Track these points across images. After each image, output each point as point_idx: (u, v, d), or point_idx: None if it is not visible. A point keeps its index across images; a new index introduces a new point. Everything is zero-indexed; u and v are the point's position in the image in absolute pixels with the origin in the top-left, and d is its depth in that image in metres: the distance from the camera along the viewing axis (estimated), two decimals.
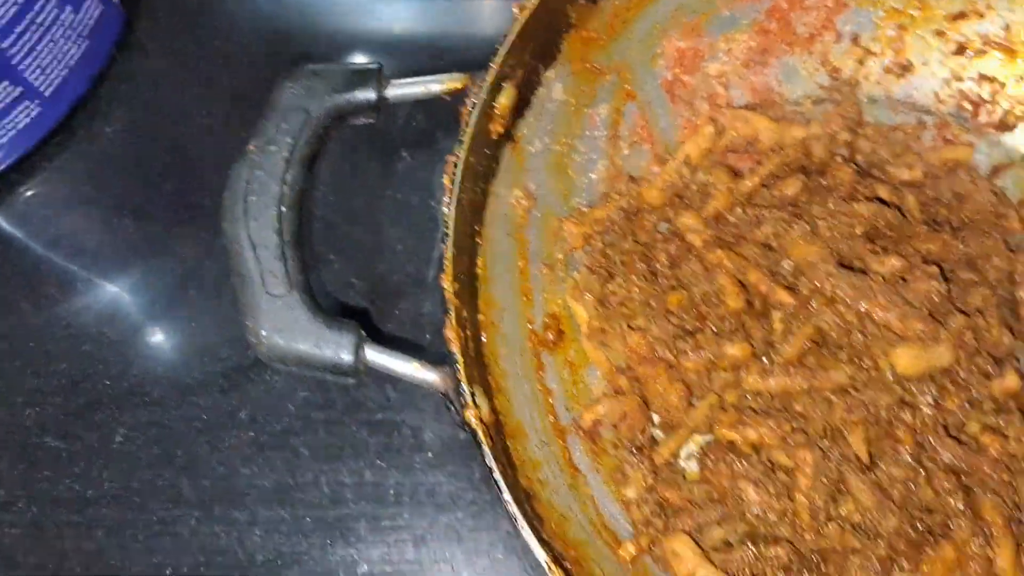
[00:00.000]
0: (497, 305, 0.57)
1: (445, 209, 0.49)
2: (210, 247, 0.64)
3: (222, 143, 0.67)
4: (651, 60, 0.64)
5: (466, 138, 0.50)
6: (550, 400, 0.58)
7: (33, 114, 0.64)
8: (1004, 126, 0.65)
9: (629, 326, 0.58)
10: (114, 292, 0.65)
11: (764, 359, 0.55)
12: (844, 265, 0.56)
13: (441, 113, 0.52)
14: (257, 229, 0.46)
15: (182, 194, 0.67)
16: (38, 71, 0.62)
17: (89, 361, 0.63)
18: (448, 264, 0.48)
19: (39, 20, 0.60)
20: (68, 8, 0.62)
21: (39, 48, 0.61)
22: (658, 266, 0.60)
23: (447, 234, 0.49)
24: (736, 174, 0.61)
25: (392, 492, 0.59)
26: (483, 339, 0.55)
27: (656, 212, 0.62)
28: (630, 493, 0.55)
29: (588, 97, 0.62)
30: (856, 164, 0.62)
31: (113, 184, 0.68)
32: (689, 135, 0.63)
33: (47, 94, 0.64)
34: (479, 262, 0.56)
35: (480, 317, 0.55)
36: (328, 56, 0.70)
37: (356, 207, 0.66)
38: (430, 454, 0.60)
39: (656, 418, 0.58)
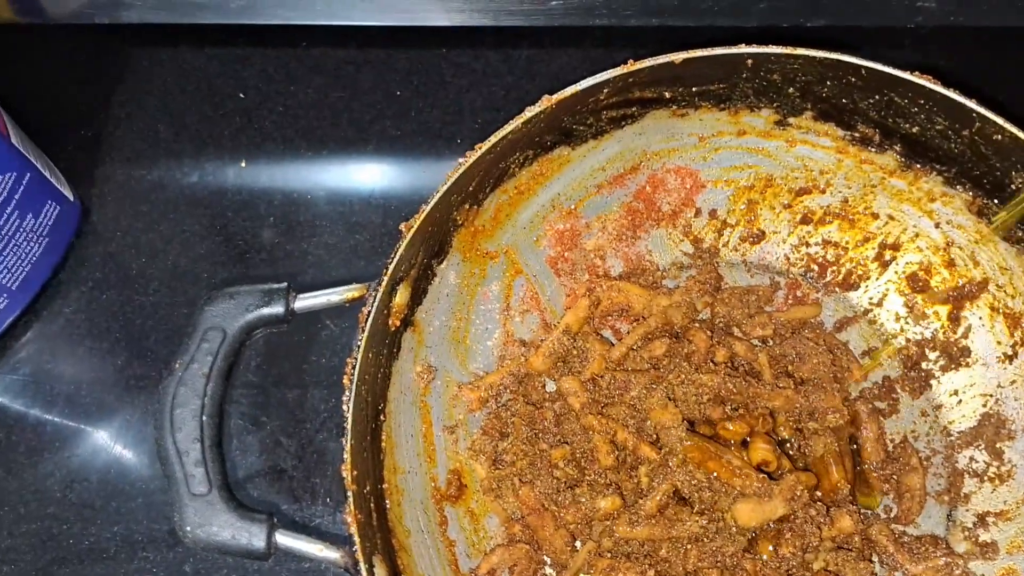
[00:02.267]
0: (402, 470, 0.67)
1: (345, 407, 0.59)
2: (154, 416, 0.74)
3: (165, 318, 0.78)
4: (535, 242, 0.73)
5: (363, 343, 0.60)
6: (452, 551, 0.68)
7: (1, 306, 0.74)
8: (848, 285, 0.75)
9: (520, 480, 0.68)
10: (75, 457, 0.74)
11: (633, 510, 0.65)
12: (694, 429, 0.66)
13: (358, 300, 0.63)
14: (182, 439, 0.56)
15: (132, 365, 0.77)
16: (4, 271, 0.72)
17: (54, 522, 0.72)
18: (347, 456, 0.58)
19: (3, 231, 0.70)
20: (29, 215, 0.72)
21: (5, 253, 0.71)
22: (546, 423, 0.70)
23: (346, 428, 0.58)
24: (608, 342, 0.72)
25: None
26: (387, 505, 0.64)
27: (543, 375, 0.72)
28: None
29: (480, 277, 0.72)
30: (714, 325, 0.72)
31: (73, 358, 0.77)
32: (571, 303, 0.74)
33: (13, 288, 0.74)
34: (383, 436, 0.65)
35: (384, 486, 0.65)
36: (256, 232, 0.81)
37: (284, 372, 0.76)
38: None
39: (548, 560, 0.68)
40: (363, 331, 0.60)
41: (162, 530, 0.71)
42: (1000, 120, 0.62)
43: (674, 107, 0.70)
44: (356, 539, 0.56)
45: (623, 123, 0.70)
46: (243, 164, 0.83)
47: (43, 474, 0.73)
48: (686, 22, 0.80)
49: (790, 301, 0.75)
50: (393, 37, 0.87)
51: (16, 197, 0.69)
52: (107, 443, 0.74)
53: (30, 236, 0.73)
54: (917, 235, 0.73)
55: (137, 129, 0.86)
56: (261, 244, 0.80)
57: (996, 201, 0.68)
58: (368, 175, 0.84)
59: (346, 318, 0.75)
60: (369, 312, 0.61)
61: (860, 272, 0.74)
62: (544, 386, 0.71)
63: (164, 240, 0.81)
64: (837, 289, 0.75)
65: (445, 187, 0.63)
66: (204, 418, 0.56)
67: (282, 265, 0.79)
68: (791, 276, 0.75)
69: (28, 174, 0.70)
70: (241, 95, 0.86)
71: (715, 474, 0.63)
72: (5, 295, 0.73)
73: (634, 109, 0.70)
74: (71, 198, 0.77)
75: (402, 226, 0.62)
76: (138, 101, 0.87)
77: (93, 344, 0.77)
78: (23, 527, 0.71)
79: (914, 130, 0.67)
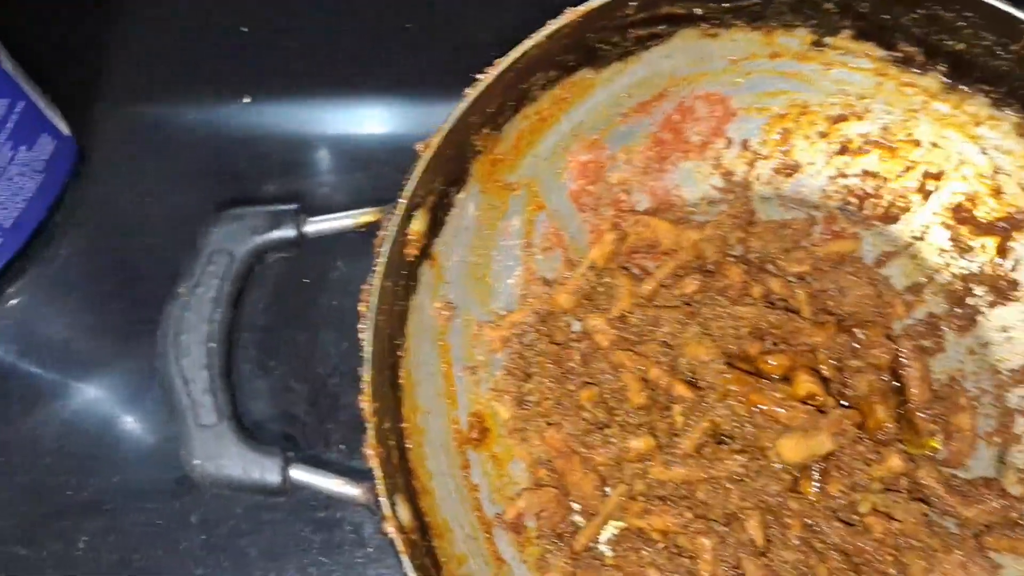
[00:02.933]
0: (422, 409, 0.62)
1: (361, 335, 0.54)
2: (153, 367, 0.69)
3: (166, 262, 0.73)
4: (557, 174, 0.69)
5: (379, 267, 0.56)
6: (476, 495, 0.64)
7: None
8: (888, 217, 0.71)
9: (546, 423, 0.64)
10: (71, 407, 0.70)
11: (668, 450, 0.61)
12: (732, 364, 0.62)
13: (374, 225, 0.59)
14: (188, 366, 0.52)
15: (130, 312, 0.73)
16: None
17: (50, 473, 0.68)
18: (366, 386, 0.54)
19: None
20: (23, 148, 0.68)
21: None
22: (572, 364, 0.66)
23: (364, 357, 0.54)
24: (637, 277, 0.67)
25: None
26: (408, 445, 0.60)
27: (569, 314, 0.68)
28: None
29: (500, 211, 0.68)
30: (748, 260, 0.68)
31: (68, 305, 0.73)
32: (596, 239, 0.69)
33: (7, 227, 0.70)
34: (401, 373, 0.61)
35: (405, 425, 0.60)
36: (266, 174, 0.76)
37: (293, 313, 0.72)
38: (370, 549, 0.65)
39: (577, 506, 0.63)
40: (379, 256, 0.56)
41: (165, 480, 0.67)
42: None
43: (704, 26, 0.66)
44: (378, 474, 0.52)
45: (650, 43, 0.66)
46: (246, 100, 0.78)
47: (37, 424, 0.69)
48: None
49: (827, 236, 0.70)
50: None
51: (9, 126, 0.65)
52: (106, 392, 0.70)
53: (24, 170, 0.68)
54: (962, 162, 0.68)
55: (134, 65, 0.82)
56: (265, 185, 0.75)
57: None
58: (377, 113, 0.80)
59: (358, 256, 0.70)
60: (386, 236, 0.56)
61: (901, 204, 0.70)
62: (569, 325, 0.67)
63: (164, 181, 0.77)
64: (877, 223, 0.71)
65: (463, 105, 0.60)
66: (211, 345, 0.52)
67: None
68: (828, 210, 0.71)
69: (22, 102, 0.66)
70: (244, 28, 0.82)
71: (758, 408, 0.59)
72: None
73: (662, 28, 0.66)
74: (67, 133, 0.73)
75: (418, 145, 0.58)
76: (135, 36, 0.83)
77: (90, 289, 0.74)
78: (17, 479, 0.67)
79: (959, 47, 0.63)
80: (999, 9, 0.60)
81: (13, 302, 0.72)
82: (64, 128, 0.73)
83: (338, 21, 0.83)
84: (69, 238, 0.75)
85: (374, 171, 0.77)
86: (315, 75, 0.81)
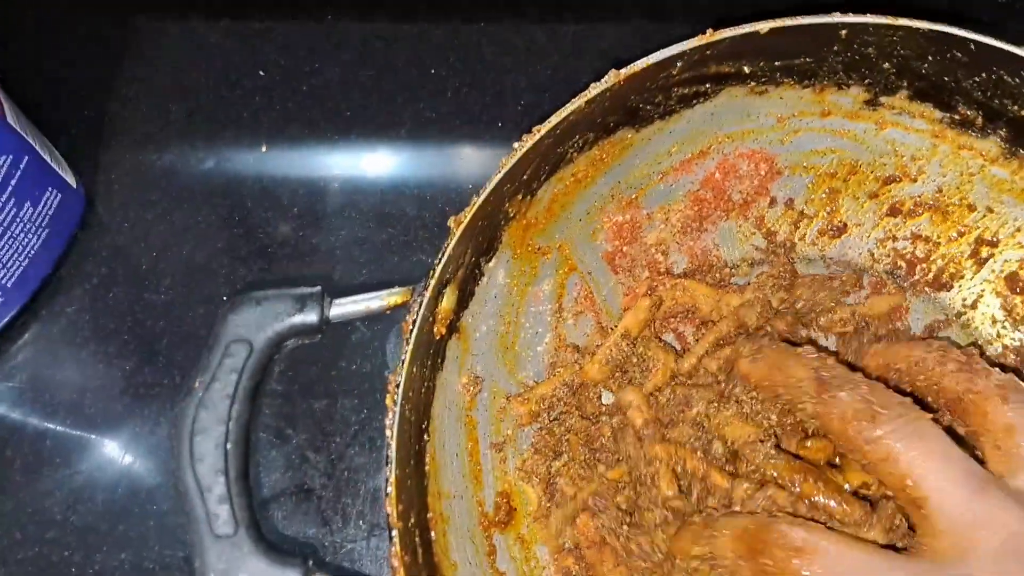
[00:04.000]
0: (448, 495, 0.59)
1: (388, 432, 0.51)
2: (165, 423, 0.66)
3: (179, 319, 0.69)
4: (591, 235, 0.65)
5: (407, 355, 0.52)
6: None
7: None
8: (939, 284, 0.67)
9: (578, 509, 0.60)
10: (79, 474, 0.67)
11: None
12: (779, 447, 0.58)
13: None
14: (203, 471, 0.48)
15: (141, 371, 0.69)
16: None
17: (55, 548, 0.65)
18: (392, 488, 0.50)
19: None
20: (27, 204, 0.64)
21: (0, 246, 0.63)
22: (603, 440, 0.62)
23: (389, 456, 0.50)
24: (674, 349, 0.63)
25: None
26: (432, 537, 0.57)
27: (600, 385, 0.64)
28: None
29: (531, 276, 0.64)
30: (790, 328, 0.64)
31: (76, 364, 0.70)
32: (630, 303, 0.65)
33: (9, 285, 0.66)
34: (427, 459, 0.57)
35: (429, 515, 0.57)
36: (283, 224, 0.72)
37: (311, 379, 0.68)
38: None
39: None
40: (408, 343, 0.52)
41: (176, 557, 0.63)
42: None
43: (752, 83, 0.62)
44: None
45: (694, 101, 0.62)
46: (264, 148, 0.74)
47: (42, 493, 0.66)
48: None
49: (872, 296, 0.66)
50: (427, 9, 0.78)
51: (12, 183, 0.61)
52: (114, 458, 0.67)
53: (28, 227, 0.65)
54: (1019, 230, 0.65)
55: (146, 110, 0.78)
56: (284, 237, 0.72)
57: None
58: (401, 162, 0.76)
59: (378, 319, 0.67)
60: (415, 320, 0.53)
61: (953, 270, 0.66)
62: (600, 397, 0.63)
63: (177, 232, 0.73)
64: (927, 289, 0.67)
65: (498, 176, 0.55)
66: (228, 446, 0.48)
67: (308, 261, 0.71)
68: (875, 273, 0.67)
69: (26, 157, 0.62)
70: (261, 72, 0.78)
71: (810, 498, 0.55)
72: (0, 293, 0.64)
73: (708, 86, 0.61)
74: (74, 185, 0.69)
75: (450, 221, 0.55)
76: (147, 80, 0.79)
77: (98, 347, 0.70)
78: (20, 554, 0.64)
79: (1022, 113, 0.58)
80: None
81: (17, 360, 0.69)
82: (71, 179, 0.69)
83: (361, 63, 0.78)
84: (76, 292, 0.72)
85: (395, 219, 0.73)
86: (336, 121, 0.78)
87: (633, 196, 0.66)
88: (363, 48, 0.79)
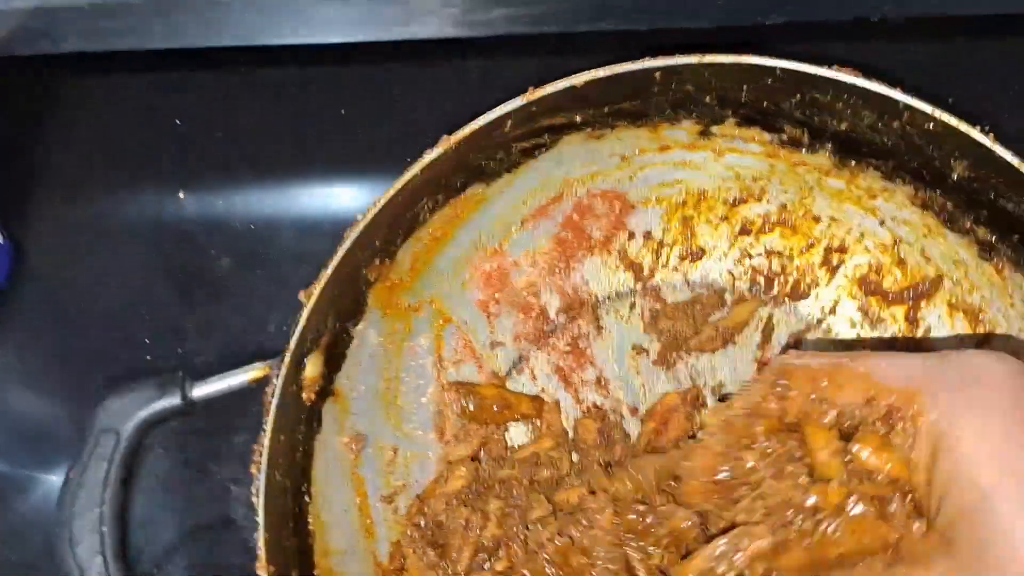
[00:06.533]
0: (336, 552, 0.62)
1: (254, 498, 0.54)
2: None
3: (110, 362, 0.74)
4: (461, 286, 0.69)
5: (269, 426, 0.56)
6: None
7: None
8: (798, 294, 0.71)
9: None
10: (13, 515, 0.72)
11: None
12: None
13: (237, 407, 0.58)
14: (82, 554, 0.52)
15: (74, 414, 0.73)
16: None
17: None
18: (262, 551, 0.54)
19: None
20: None
21: None
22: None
23: (259, 522, 0.54)
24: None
25: None
26: None
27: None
28: None
29: (405, 332, 0.68)
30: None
31: (8, 409, 0.75)
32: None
33: None
34: (310, 520, 0.61)
35: (316, 572, 0.60)
36: (200, 265, 0.78)
37: (150, 503, 0.73)
38: None
39: None
40: (268, 414, 0.56)
41: None
42: (928, 108, 0.57)
43: (588, 130, 0.66)
44: None
45: (536, 152, 0.66)
46: (181, 195, 0.78)
47: None
48: (638, 26, 0.75)
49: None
50: (335, 55, 0.82)
51: None
52: (51, 498, 0.70)
53: None
54: (863, 235, 0.68)
55: (70, 162, 0.82)
56: (204, 278, 0.77)
57: (939, 191, 0.62)
58: (316, 200, 0.81)
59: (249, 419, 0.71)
60: (273, 393, 0.57)
61: (809, 280, 0.70)
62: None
63: (103, 279, 0.78)
64: (787, 300, 0.70)
65: (344, 248, 0.59)
66: (104, 528, 0.52)
67: (231, 299, 0.77)
68: (737, 291, 0.70)
69: None
70: (177, 121, 0.82)
71: None
72: None
73: (545, 137, 0.65)
74: (1, 240, 0.74)
75: (301, 295, 0.58)
76: (69, 132, 0.83)
77: (31, 393, 0.75)
78: None
79: (843, 127, 0.63)
80: (872, 91, 0.59)
81: None
82: None
83: (274, 108, 0.84)
84: (11, 340, 0.76)
85: (317, 257, 0.76)
86: (252, 163, 0.82)
87: (497, 245, 0.70)
88: (276, 94, 0.84)
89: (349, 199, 0.83)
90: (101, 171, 0.82)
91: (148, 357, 0.76)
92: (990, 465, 0.44)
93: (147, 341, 0.76)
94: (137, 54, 0.77)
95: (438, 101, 0.83)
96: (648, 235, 0.71)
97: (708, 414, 0.66)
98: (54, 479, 0.72)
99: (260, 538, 0.54)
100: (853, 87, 0.60)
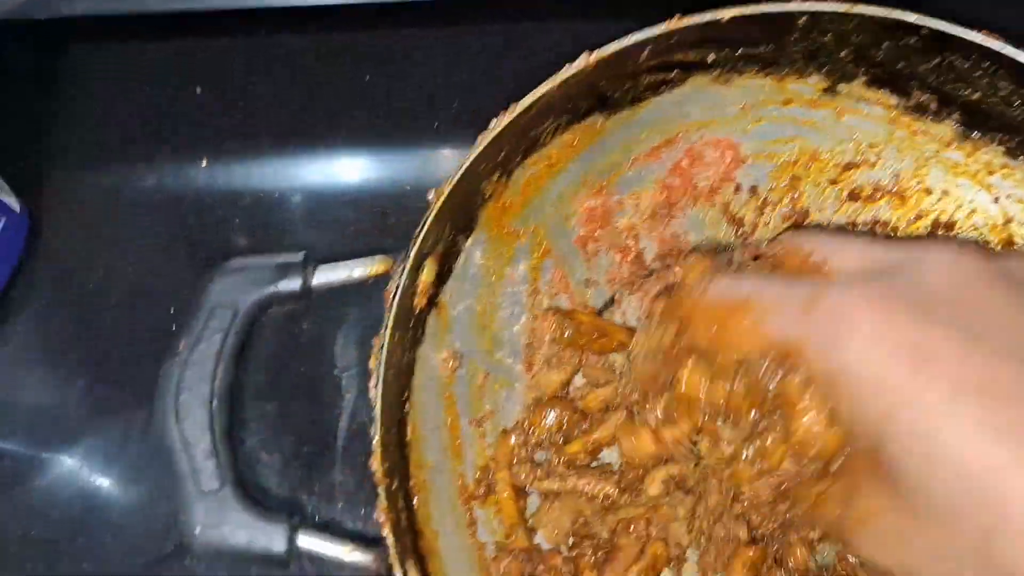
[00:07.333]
0: (428, 465, 0.60)
1: (372, 392, 0.52)
2: (122, 444, 0.67)
3: (131, 338, 0.70)
4: (564, 220, 0.67)
5: (390, 320, 0.54)
6: (483, 554, 0.61)
7: None
8: None
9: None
10: (35, 490, 0.68)
11: None
12: None
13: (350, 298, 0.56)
14: (189, 428, 0.49)
15: (95, 387, 0.70)
16: None
17: (15, 561, 0.65)
18: (377, 448, 0.51)
19: None
20: None
21: None
22: None
23: (375, 416, 0.52)
24: None
25: None
26: (414, 504, 0.58)
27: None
28: None
29: (506, 258, 0.66)
30: None
31: (29, 384, 0.71)
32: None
33: None
34: (409, 429, 0.59)
35: (411, 483, 0.58)
36: (223, 238, 0.74)
37: (259, 384, 0.69)
38: None
39: None
40: (390, 309, 0.54)
41: (139, 565, 0.64)
42: None
43: (717, 72, 0.65)
44: (391, 541, 0.50)
45: (662, 89, 0.65)
46: (204, 163, 0.76)
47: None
48: None
49: None
50: (356, 20, 0.80)
51: None
52: (72, 473, 0.67)
53: None
54: (973, 211, 0.67)
55: (85, 132, 0.79)
56: (229, 251, 0.72)
57: None
58: (341, 169, 0.78)
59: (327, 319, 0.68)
60: (397, 287, 0.55)
61: None
62: None
63: (122, 253, 0.74)
64: None
65: (476, 152, 0.58)
66: (214, 404, 0.49)
67: None
68: None
69: None
70: (197, 90, 0.79)
71: None
72: None
73: (674, 73, 0.64)
74: (17, 210, 0.71)
75: (430, 194, 0.56)
76: (84, 102, 0.80)
77: (49, 369, 0.71)
78: None
79: (975, 96, 0.62)
80: (1016, 60, 0.58)
81: None
82: (14, 204, 0.70)
83: (295, 76, 0.81)
84: (26, 315, 0.72)
85: (331, 225, 0.74)
86: (274, 133, 0.79)
87: (604, 182, 0.68)
88: (296, 61, 0.81)
89: (375, 167, 0.80)
90: (117, 141, 0.79)
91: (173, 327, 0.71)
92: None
93: (171, 311, 0.72)
94: (155, 19, 0.75)
95: (461, 66, 0.82)
96: (754, 191, 0.70)
97: None
98: (70, 461, 0.70)
99: (376, 432, 0.52)
100: (999, 55, 0.59)
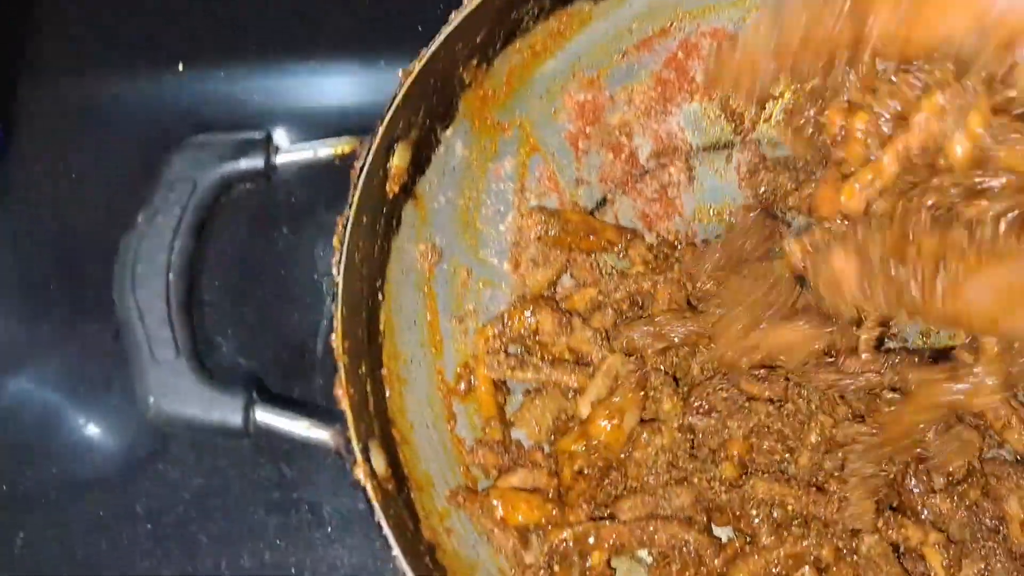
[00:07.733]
0: (403, 357, 0.58)
1: (335, 269, 0.50)
2: (98, 345, 0.66)
3: (104, 243, 0.68)
4: (552, 114, 0.65)
5: (354, 198, 0.52)
6: (462, 450, 0.59)
7: None
8: None
9: None
10: (7, 397, 0.67)
11: None
12: None
13: (322, 185, 0.53)
14: (144, 297, 0.48)
15: (69, 296, 0.69)
16: None
17: None
18: (338, 323, 0.49)
19: None
20: None
21: None
22: None
23: (337, 293, 0.50)
24: None
25: (293, 571, 0.61)
26: (387, 393, 0.56)
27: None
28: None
29: (490, 152, 0.64)
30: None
31: (3, 293, 0.70)
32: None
33: None
34: (382, 317, 0.57)
35: (384, 371, 0.56)
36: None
37: (240, 287, 0.68)
38: (329, 529, 0.62)
39: None
40: (355, 187, 0.52)
41: (107, 469, 0.65)
42: None
43: None
44: (349, 416, 0.48)
45: None
46: (180, 68, 0.74)
47: None
48: None
49: None
50: None
51: None
52: (44, 381, 0.68)
53: None
54: None
55: (59, 39, 0.77)
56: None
57: None
58: (322, 78, 0.76)
59: (305, 222, 0.66)
60: (362, 166, 0.52)
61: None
62: None
63: (97, 158, 0.73)
64: None
65: (448, 30, 0.56)
66: (171, 276, 0.47)
67: None
68: None
69: None
70: None
71: None
72: None
73: None
74: None
75: (400, 72, 0.54)
76: (58, 9, 0.78)
77: (25, 275, 0.71)
78: None
79: None
80: None
81: None
82: None
83: None
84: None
85: (314, 132, 0.71)
86: (253, 41, 0.77)
87: (595, 75, 0.66)
88: None
89: (356, 75, 0.78)
90: (92, 48, 0.77)
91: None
92: None
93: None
94: None
95: None
96: None
97: None
98: (38, 370, 0.69)
99: (337, 311, 0.49)
100: None
